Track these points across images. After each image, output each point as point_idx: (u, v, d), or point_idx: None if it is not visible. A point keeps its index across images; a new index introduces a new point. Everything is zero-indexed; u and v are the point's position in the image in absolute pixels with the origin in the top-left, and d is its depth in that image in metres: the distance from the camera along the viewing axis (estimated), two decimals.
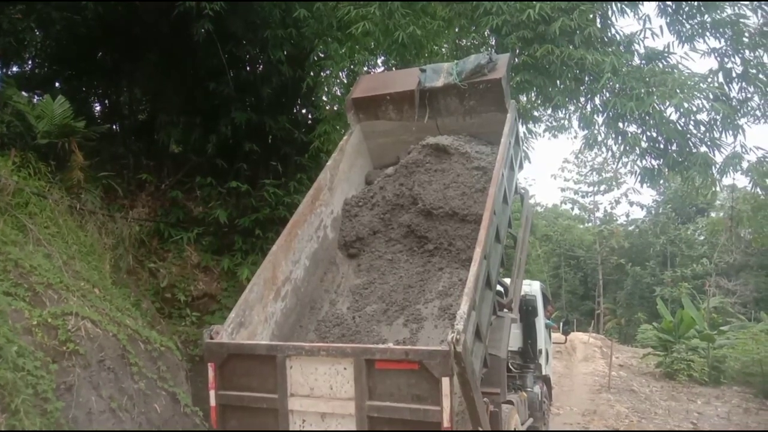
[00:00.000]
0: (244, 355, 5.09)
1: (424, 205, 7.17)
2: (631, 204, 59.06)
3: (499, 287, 7.03)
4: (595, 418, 11.63)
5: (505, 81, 7.53)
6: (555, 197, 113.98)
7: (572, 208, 52.48)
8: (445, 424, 4.16)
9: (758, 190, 11.32)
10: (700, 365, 17.84)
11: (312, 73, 12.56)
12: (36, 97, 11.25)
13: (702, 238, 40.20)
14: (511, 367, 8.34)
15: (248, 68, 13.14)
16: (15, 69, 12.85)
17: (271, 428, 4.86)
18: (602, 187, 47.83)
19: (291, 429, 4.77)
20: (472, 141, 7.73)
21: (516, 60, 10.26)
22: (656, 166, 11.03)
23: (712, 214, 41.39)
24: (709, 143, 10.30)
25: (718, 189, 12.88)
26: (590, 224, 52.02)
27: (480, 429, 4.61)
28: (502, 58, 7.89)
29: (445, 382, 4.17)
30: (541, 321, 9.87)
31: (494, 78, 7.47)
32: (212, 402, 5.14)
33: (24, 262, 7.58)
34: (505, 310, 6.87)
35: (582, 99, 11.32)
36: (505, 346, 6.40)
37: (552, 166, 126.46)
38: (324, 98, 13.23)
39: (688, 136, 10.41)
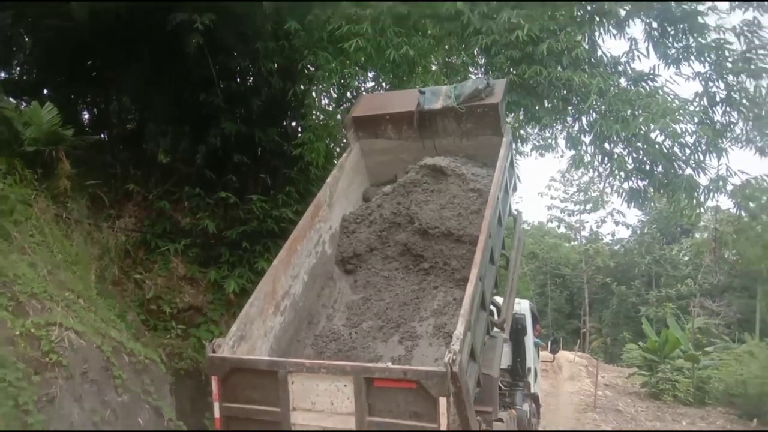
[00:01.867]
0: (246, 370, 5.20)
1: (420, 224, 7.28)
2: (617, 223, 59.19)
3: (492, 307, 7.10)
4: None
5: (501, 106, 7.74)
6: (541, 215, 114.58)
7: (558, 226, 52.89)
8: None
9: (742, 212, 11.47)
10: (685, 385, 17.90)
11: (302, 86, 12.58)
12: (24, 103, 11.15)
13: (686, 258, 40.53)
14: (501, 385, 8.31)
15: (239, 79, 13.12)
16: (3, 75, 12.73)
17: None
18: (588, 206, 48.26)
19: None
20: (468, 163, 7.90)
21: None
22: (642, 187, 11.14)
23: (696, 235, 41.78)
24: (694, 166, 10.44)
25: (702, 210, 13.02)
26: (576, 243, 52.37)
27: None
28: (499, 83, 8.11)
29: (443, 401, 4.31)
30: (530, 339, 9.96)
31: (491, 103, 7.70)
32: (216, 414, 5.27)
33: (7, 271, 7.46)
34: (497, 329, 6.96)
35: (569, 119, 11.44)
36: (497, 366, 6.51)
37: (539, 184, 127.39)
38: (314, 111, 13.22)
39: (674, 158, 10.56)
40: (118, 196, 11.68)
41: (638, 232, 48.15)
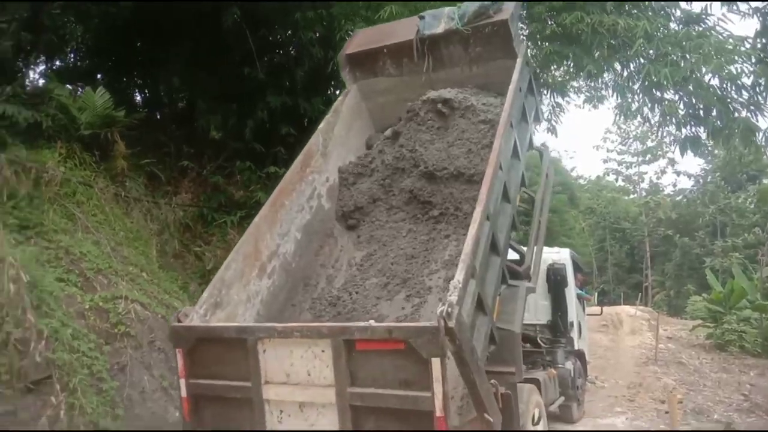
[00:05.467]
0: (214, 340, 4.56)
1: (426, 166, 6.54)
2: (678, 173, 57.34)
3: (515, 254, 6.50)
4: (641, 390, 11.46)
5: (513, 23, 6.83)
6: (598, 169, 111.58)
7: (616, 180, 51.55)
8: (437, 413, 3.57)
9: None
10: (752, 336, 17.33)
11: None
12: (79, 89, 11.59)
13: (753, 206, 38.82)
14: (539, 342, 8.02)
15: (280, 51, 13.23)
16: (58, 63, 13.22)
17: (247, 421, 4.37)
18: (647, 157, 46.77)
19: (267, 421, 4.27)
20: (479, 93, 7.03)
21: (546, 31, 10.01)
22: (695, 134, 10.62)
23: (765, 181, 39.92)
24: (752, 108, 9.87)
25: (766, 156, 12.38)
26: (635, 196, 50.99)
27: (486, 416, 4.08)
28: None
29: (436, 363, 3.57)
30: (571, 291, 9.04)
31: (501, 19, 6.78)
32: (183, 392, 4.60)
33: (74, 249, 7.92)
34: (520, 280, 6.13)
35: (617, 67, 10.97)
36: (520, 319, 5.67)
37: (594, 137, 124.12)
38: None
39: (729, 101, 9.97)
40: (174, 173, 12.09)
41: (701, 181, 46.37)
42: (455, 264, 5.30)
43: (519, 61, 6.56)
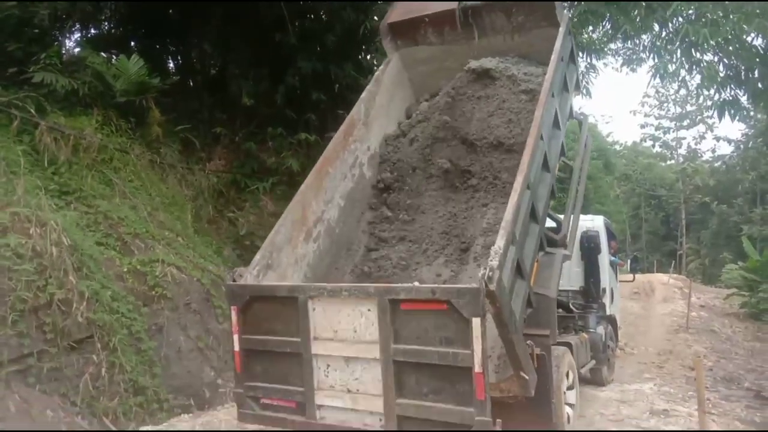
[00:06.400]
0: (267, 298, 4.79)
1: (466, 136, 6.63)
2: (718, 139, 55.75)
3: (552, 222, 6.58)
4: (670, 357, 11.42)
5: None
6: (634, 135, 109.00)
7: (653, 146, 50.35)
8: (476, 369, 3.78)
9: None
10: None
11: (375, 18, 12.46)
12: (114, 57, 11.76)
13: None
14: (572, 307, 8.11)
15: (312, 16, 13.17)
16: (93, 31, 13.40)
17: (296, 373, 4.61)
18: (685, 122, 45.53)
19: (314, 373, 4.52)
20: (520, 62, 7.05)
21: None
22: (735, 98, 10.27)
23: None
24: None
25: None
26: (672, 162, 49.81)
27: (522, 374, 4.29)
28: None
29: (476, 322, 3.77)
30: (604, 258, 9.11)
31: None
32: (236, 347, 4.86)
33: (112, 214, 8.18)
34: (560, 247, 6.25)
35: (656, 27, 10.62)
36: (555, 285, 5.83)
37: (631, 102, 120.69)
38: None
39: None
40: (207, 140, 12.28)
41: (741, 147, 44.99)
42: (493, 231, 5.73)
43: (561, 30, 6.49)
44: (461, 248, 6.07)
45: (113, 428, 5.92)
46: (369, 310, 4.25)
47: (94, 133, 9.01)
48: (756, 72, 9.66)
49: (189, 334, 7.58)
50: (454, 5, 7.16)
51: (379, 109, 7.06)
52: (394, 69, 7.45)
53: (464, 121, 6.71)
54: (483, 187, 6.53)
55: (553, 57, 6.08)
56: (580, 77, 9.51)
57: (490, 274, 3.84)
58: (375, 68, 13.22)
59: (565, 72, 6.64)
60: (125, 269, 7.44)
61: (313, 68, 12.00)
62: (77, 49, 11.91)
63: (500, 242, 4.20)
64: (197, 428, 6.00)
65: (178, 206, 10.06)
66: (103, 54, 11.41)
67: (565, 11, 7.12)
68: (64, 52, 11.10)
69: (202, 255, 9.20)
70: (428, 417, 4.08)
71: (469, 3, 7.11)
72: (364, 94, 6.92)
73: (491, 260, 3.99)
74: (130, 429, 6.06)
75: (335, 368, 4.48)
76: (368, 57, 13.91)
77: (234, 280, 4.91)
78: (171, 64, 14.45)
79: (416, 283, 4.51)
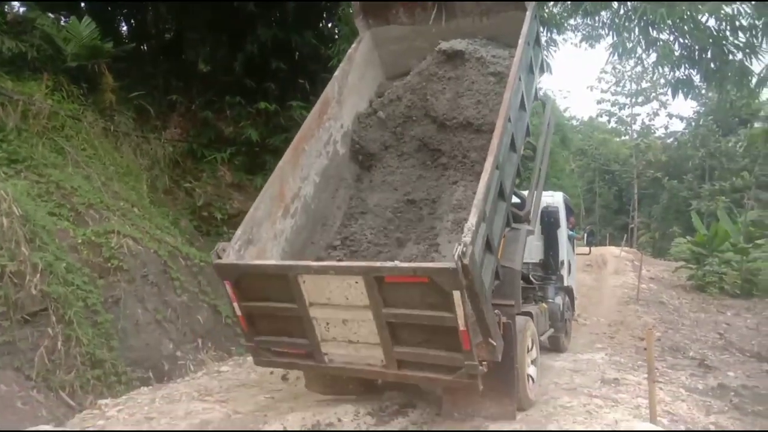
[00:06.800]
0: (257, 274, 5.04)
1: (436, 116, 6.85)
2: (670, 116, 57.32)
3: (516, 199, 6.78)
4: (621, 328, 11.79)
5: None
6: (591, 110, 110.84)
7: (609, 121, 51.42)
8: (461, 328, 4.34)
9: None
10: (732, 278, 17.75)
11: None
12: (64, 19, 11.27)
13: (742, 150, 38.91)
14: (532, 279, 8.33)
15: None
16: None
17: (299, 329, 4.98)
18: (640, 99, 46.51)
19: (316, 329, 4.91)
20: (488, 45, 7.23)
21: None
22: (689, 77, 10.54)
23: (757, 125, 39.87)
24: (748, 51, 9.79)
25: (758, 100, 12.33)
26: (627, 137, 50.95)
27: (491, 341, 4.67)
28: None
29: (456, 294, 4.25)
30: (563, 233, 9.53)
31: None
32: (238, 312, 5.18)
33: (65, 184, 7.93)
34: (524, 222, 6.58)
35: (615, 5, 10.77)
36: (520, 258, 6.18)
37: (589, 77, 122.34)
38: (351, 9, 12.87)
39: (724, 43, 9.88)
40: (163, 108, 11.96)
41: (693, 124, 46.25)
42: (462, 207, 6.17)
43: (528, 14, 6.71)
44: (433, 223, 6.33)
45: (71, 402, 5.81)
46: (356, 282, 4.59)
47: (44, 99, 8.67)
48: (709, 52, 9.88)
49: (146, 307, 7.46)
50: None
51: (352, 87, 7.17)
52: (365, 47, 7.52)
53: (434, 101, 6.91)
54: (453, 166, 6.77)
55: (520, 41, 6.28)
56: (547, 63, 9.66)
57: (464, 249, 4.17)
58: (336, 36, 13.08)
59: (531, 55, 6.87)
60: (79, 240, 7.24)
61: (273, 36, 11.73)
62: (23, 9, 11.36)
63: (472, 219, 4.49)
64: (157, 401, 5.93)
65: (133, 176, 9.81)
66: (51, 15, 10.93)
67: None
68: (8, 11, 10.58)
69: (159, 226, 9.02)
70: (423, 361, 4.67)
71: None
72: (337, 73, 7.01)
73: (464, 237, 4.31)
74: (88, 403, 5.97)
75: (335, 325, 4.89)
76: (330, 25, 13.67)
77: (219, 257, 5.04)
78: (124, 28, 13.92)
79: (397, 262, 4.70)
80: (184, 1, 12.24)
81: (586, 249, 12.60)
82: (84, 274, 6.87)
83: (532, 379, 6.14)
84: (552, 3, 11.87)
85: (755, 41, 9.61)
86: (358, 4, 7.64)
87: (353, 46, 7.47)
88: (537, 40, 7.35)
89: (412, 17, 7.55)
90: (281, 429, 5.00)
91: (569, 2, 11.89)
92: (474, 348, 4.42)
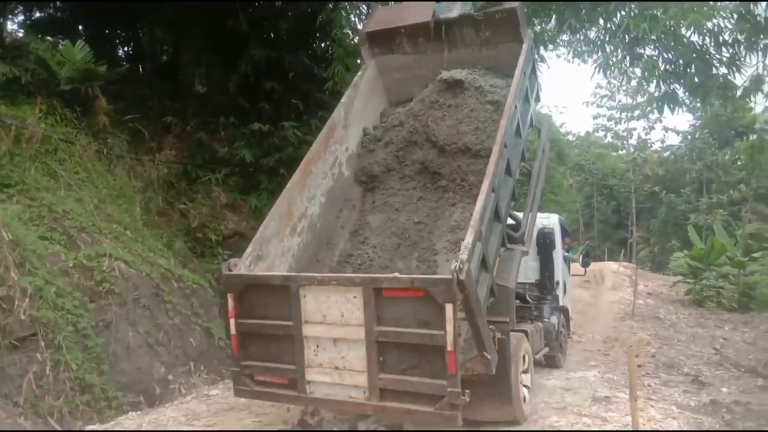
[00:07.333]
0: (261, 286, 5.28)
1: (437, 141, 7.27)
2: (666, 130, 57.39)
3: (512, 221, 7.10)
4: (616, 344, 11.74)
5: (520, 10, 7.48)
6: (587, 125, 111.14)
7: (605, 136, 51.44)
8: (449, 347, 4.40)
9: None
10: (729, 292, 17.69)
11: (330, 5, 12.35)
12: (59, 42, 11.38)
13: (739, 162, 38.97)
14: (528, 298, 8.54)
15: (263, 2, 12.96)
16: (37, 14, 12.88)
17: (287, 353, 5.12)
18: (636, 113, 46.65)
19: (305, 353, 5.03)
20: (487, 74, 7.68)
21: None
22: (672, 91, 10.60)
23: (753, 137, 39.97)
24: (730, 65, 9.87)
25: (752, 113, 12.39)
26: (623, 152, 51.01)
27: (485, 354, 4.85)
28: None
29: (449, 308, 4.37)
30: (558, 253, 9.79)
31: (510, 6, 7.43)
32: (233, 330, 5.34)
33: (57, 207, 7.96)
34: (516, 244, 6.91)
35: (600, 21, 10.89)
36: (514, 278, 6.49)
37: (584, 92, 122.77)
38: (345, 31, 12.99)
39: (708, 57, 9.99)
40: (157, 129, 12.01)
41: (689, 137, 46.37)
42: (460, 228, 6.54)
43: (525, 46, 7.14)
44: (432, 243, 6.74)
45: (58, 428, 5.79)
46: (355, 297, 4.81)
47: (38, 122, 8.73)
48: (693, 67, 10.00)
49: (138, 330, 7.45)
50: (428, 19, 7.73)
51: (357, 113, 7.61)
52: (370, 75, 7.97)
53: (435, 127, 7.34)
54: (452, 188, 7.19)
55: (517, 72, 6.70)
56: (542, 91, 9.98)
57: (461, 266, 4.39)
58: (328, 56, 13.15)
59: (527, 85, 7.24)
60: (71, 264, 7.26)
61: (266, 56, 11.85)
62: (20, 33, 11.50)
63: (469, 238, 4.76)
64: (144, 426, 5.92)
65: (127, 198, 9.84)
66: (48, 38, 11.05)
67: (529, 30, 7.73)
68: (5, 36, 10.70)
69: (152, 248, 9.04)
70: (406, 389, 4.71)
71: (442, 17, 7.72)
72: (344, 99, 7.46)
73: (461, 254, 4.55)
74: (76, 428, 5.95)
75: (324, 348, 5.02)
76: (323, 45, 13.78)
77: (230, 270, 5.37)
78: (120, 51, 14.04)
79: (396, 274, 5.00)
80: (179, 9, 12.32)
81: (581, 270, 12.81)
82: (75, 298, 6.88)
83: (525, 395, 6.27)
84: (538, 21, 12.01)
85: (738, 55, 9.72)
86: (364, 34, 8.15)
87: (359, 74, 7.93)
88: (533, 71, 7.73)
89: (416, 47, 7.97)
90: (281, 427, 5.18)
91: (554, 19, 12.00)
92: (459, 371, 4.47)
